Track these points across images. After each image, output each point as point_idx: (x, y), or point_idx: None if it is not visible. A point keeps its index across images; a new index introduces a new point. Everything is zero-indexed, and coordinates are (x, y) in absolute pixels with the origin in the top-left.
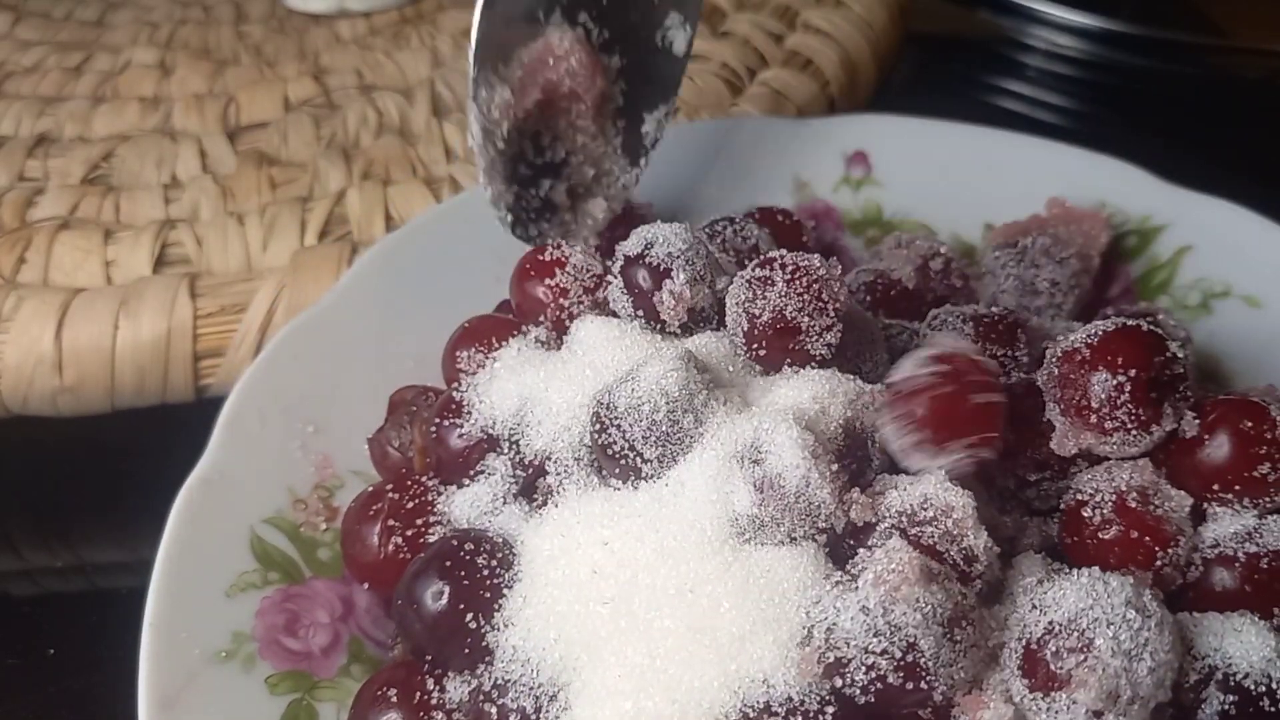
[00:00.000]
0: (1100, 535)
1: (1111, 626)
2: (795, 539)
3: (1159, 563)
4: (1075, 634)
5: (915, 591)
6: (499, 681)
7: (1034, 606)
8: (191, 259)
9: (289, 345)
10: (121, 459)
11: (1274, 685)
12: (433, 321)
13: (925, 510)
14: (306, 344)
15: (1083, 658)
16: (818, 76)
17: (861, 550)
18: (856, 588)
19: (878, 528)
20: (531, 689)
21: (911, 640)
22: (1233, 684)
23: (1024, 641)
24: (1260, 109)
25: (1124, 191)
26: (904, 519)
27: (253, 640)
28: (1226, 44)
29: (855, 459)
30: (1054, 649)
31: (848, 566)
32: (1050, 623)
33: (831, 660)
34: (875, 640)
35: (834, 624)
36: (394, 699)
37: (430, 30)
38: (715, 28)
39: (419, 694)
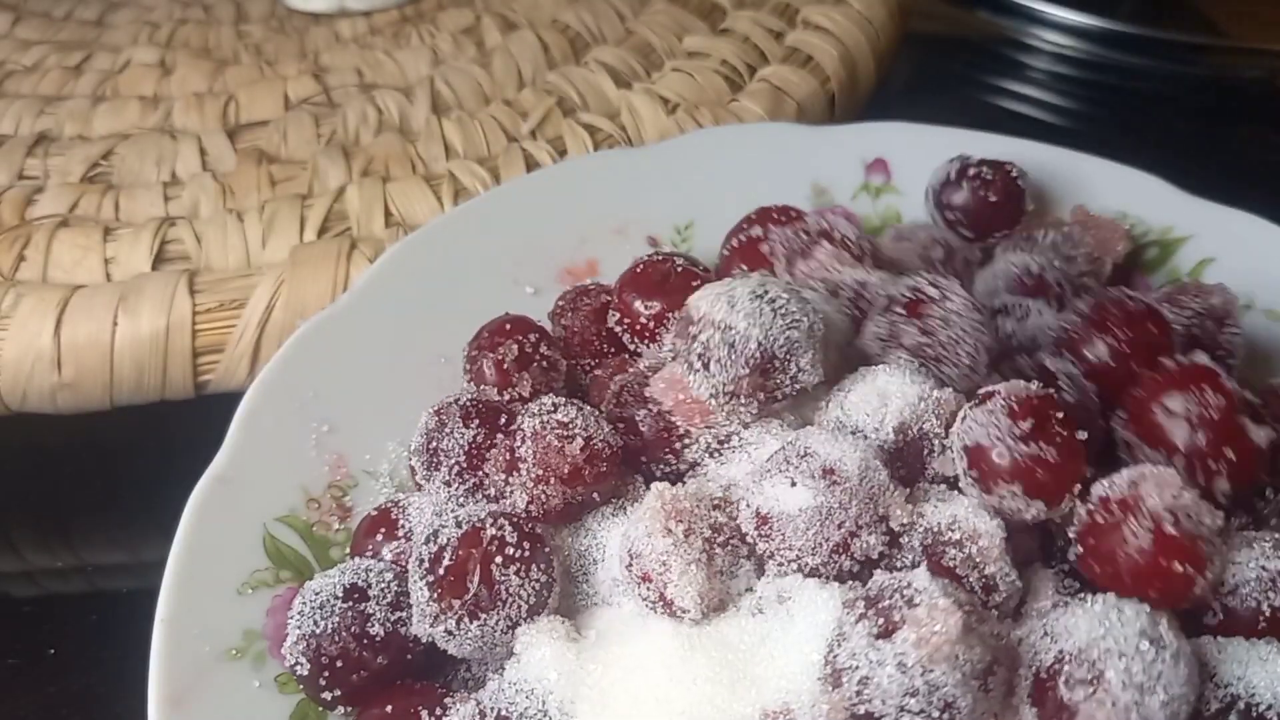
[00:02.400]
0: (1129, 560)
1: (1124, 658)
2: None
3: (1197, 590)
4: (1085, 664)
5: (956, 649)
6: (502, 712)
7: (1045, 634)
8: (191, 256)
9: (305, 344)
10: (121, 459)
11: None
12: (449, 323)
13: (951, 532)
14: (322, 343)
15: (1092, 690)
16: (818, 73)
17: (879, 573)
18: (886, 634)
19: (903, 540)
20: (537, 718)
21: (949, 700)
22: (1255, 714)
23: (1034, 670)
24: (1260, 109)
25: (1146, 202)
26: (930, 535)
27: (263, 638)
28: (1226, 44)
29: (906, 465)
30: (1064, 679)
31: (867, 588)
32: (1061, 651)
33: (863, 713)
34: (912, 700)
35: (868, 677)
36: (390, 714)
37: (430, 29)
38: (715, 25)
39: (415, 713)
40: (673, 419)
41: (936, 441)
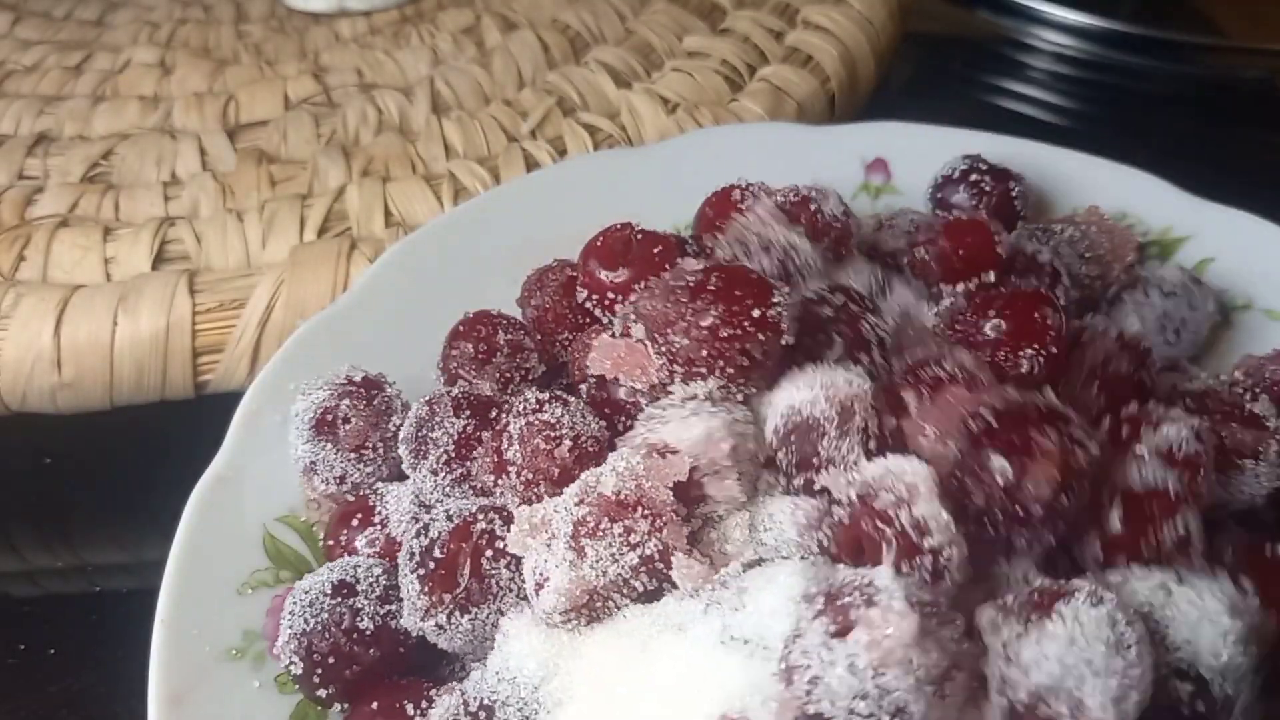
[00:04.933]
0: None
1: (1099, 678)
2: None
3: None
4: (1064, 696)
5: (910, 653)
6: (485, 701)
7: (1010, 660)
8: (191, 256)
9: (305, 344)
10: (121, 459)
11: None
12: (448, 322)
13: (884, 479)
14: (322, 343)
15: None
16: (818, 73)
17: (842, 568)
18: (842, 633)
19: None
20: (518, 708)
21: (900, 705)
22: (1198, 680)
23: (1008, 704)
24: (1260, 109)
25: (1146, 202)
26: (864, 486)
27: (263, 638)
28: (1226, 44)
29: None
30: (1045, 716)
31: (829, 583)
32: (1036, 687)
33: (812, 713)
34: (861, 704)
35: (818, 676)
36: (375, 710)
37: (430, 29)
38: (715, 25)
39: (400, 708)
40: (618, 384)
41: (829, 426)
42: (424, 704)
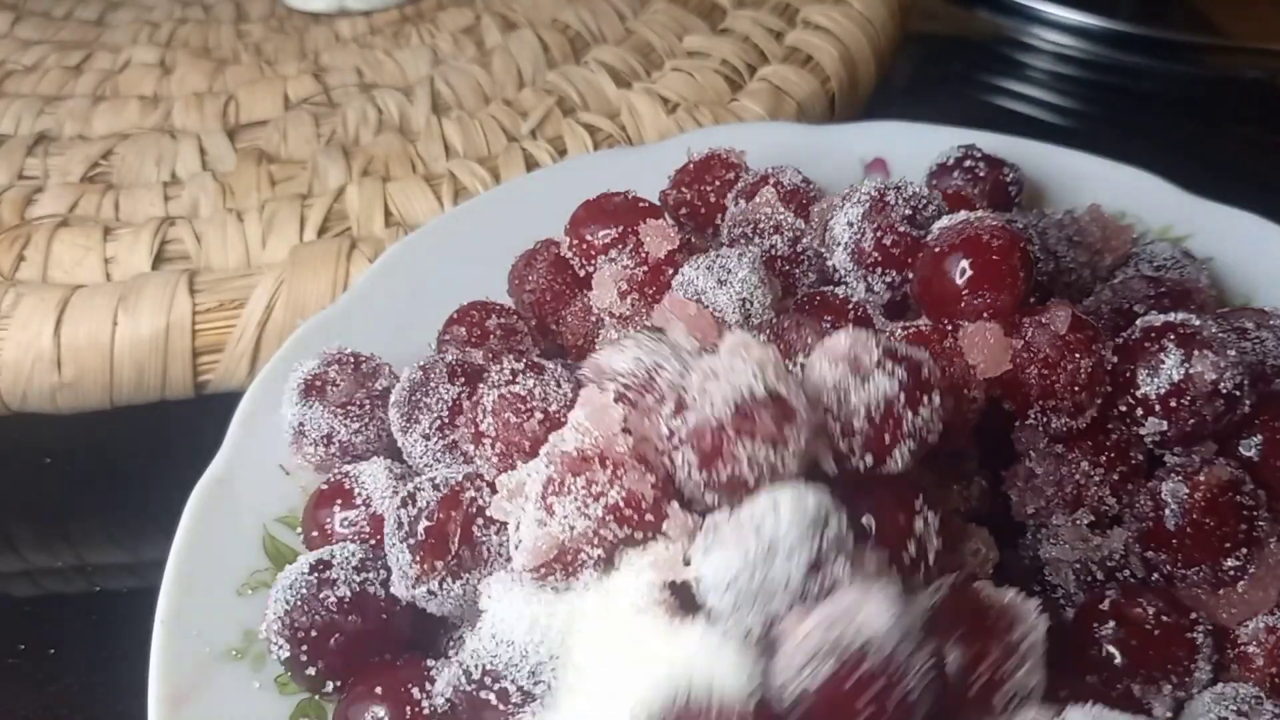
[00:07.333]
0: None
1: None
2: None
3: None
4: None
5: None
6: (487, 667)
7: None
8: (191, 256)
9: (305, 344)
10: (121, 459)
11: None
12: None
13: None
14: (322, 343)
15: None
16: (818, 73)
17: None
18: None
19: None
20: (522, 669)
21: None
22: None
23: None
24: (1260, 109)
25: (1145, 201)
26: None
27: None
28: (1225, 44)
29: None
30: None
31: None
32: None
33: None
34: None
35: None
36: (379, 694)
37: (430, 29)
38: (715, 24)
39: (405, 690)
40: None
41: None
42: (426, 682)
